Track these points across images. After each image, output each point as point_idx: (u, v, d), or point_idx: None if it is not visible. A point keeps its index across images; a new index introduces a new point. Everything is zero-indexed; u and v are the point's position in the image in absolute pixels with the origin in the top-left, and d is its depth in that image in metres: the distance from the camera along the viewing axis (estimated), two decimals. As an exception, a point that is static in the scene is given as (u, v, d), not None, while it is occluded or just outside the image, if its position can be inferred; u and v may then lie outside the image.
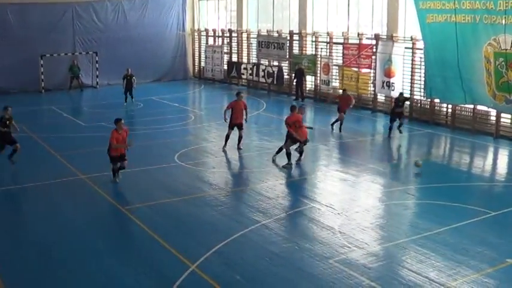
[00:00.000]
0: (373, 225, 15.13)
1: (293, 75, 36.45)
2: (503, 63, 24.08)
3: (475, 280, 12.00)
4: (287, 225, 15.11)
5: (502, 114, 26.17)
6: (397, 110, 25.81)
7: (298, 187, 18.79)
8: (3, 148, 20.62)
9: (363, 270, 12.39)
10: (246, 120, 23.09)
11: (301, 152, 20.83)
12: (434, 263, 12.80)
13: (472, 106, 27.27)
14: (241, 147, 22.55)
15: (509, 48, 23.67)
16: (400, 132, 25.69)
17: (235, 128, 22.56)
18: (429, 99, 29.05)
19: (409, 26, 30.61)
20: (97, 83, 41.73)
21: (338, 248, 13.52)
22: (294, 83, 36.20)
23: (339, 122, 26.40)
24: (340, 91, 29.31)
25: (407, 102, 28.15)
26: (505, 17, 23.47)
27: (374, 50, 31.52)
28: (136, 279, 12.21)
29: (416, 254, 13.25)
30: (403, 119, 26.30)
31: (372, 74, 32.00)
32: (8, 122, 20.32)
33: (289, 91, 37.37)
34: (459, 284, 11.82)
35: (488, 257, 13.15)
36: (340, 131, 25.98)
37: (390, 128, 25.61)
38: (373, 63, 31.65)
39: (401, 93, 26.68)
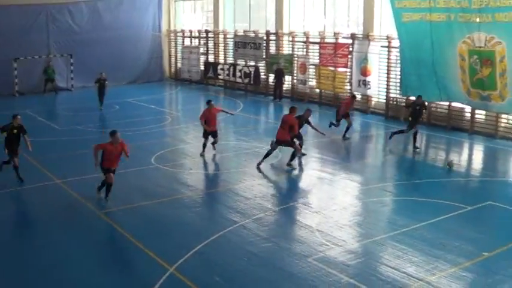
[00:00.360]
0: (350, 222, 15.24)
1: (273, 75, 36.46)
2: (477, 60, 24.35)
3: (453, 274, 12.15)
4: (265, 225, 15.13)
5: (477, 111, 26.45)
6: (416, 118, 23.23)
7: (275, 187, 18.87)
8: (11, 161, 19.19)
9: (342, 267, 12.47)
10: (232, 114, 24.93)
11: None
12: (412, 258, 12.92)
13: (447, 103, 27.54)
14: (215, 150, 22.31)
15: (483, 45, 23.94)
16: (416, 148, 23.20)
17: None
18: (405, 97, 29.27)
19: (385, 25, 30.83)
20: (72, 85, 41.37)
21: (316, 246, 13.59)
22: (273, 83, 36.28)
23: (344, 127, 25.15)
24: (315, 90, 29.36)
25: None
26: (479, 15, 23.73)
27: (350, 49, 31.68)
28: (115, 283, 12.17)
29: (394, 250, 13.37)
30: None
31: (348, 73, 32.18)
32: (15, 130, 18.95)
33: (266, 91, 37.42)
34: (437, 278, 11.96)
35: (465, 250, 13.32)
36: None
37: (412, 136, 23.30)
38: (349, 62, 31.80)
39: (419, 96, 23.57)
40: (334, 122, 24.92)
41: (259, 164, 20.23)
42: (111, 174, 16.74)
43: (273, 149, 20.42)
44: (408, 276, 12.04)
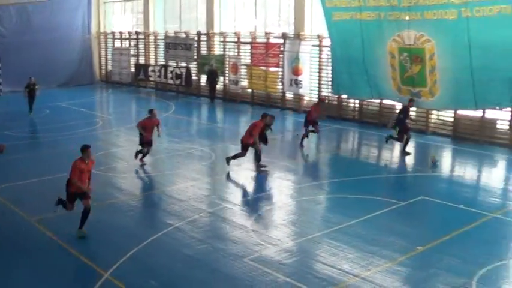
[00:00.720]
0: (285, 221, 15.25)
1: (206, 76, 36.34)
2: (407, 58, 24.76)
3: (388, 269, 12.29)
4: (200, 226, 15.01)
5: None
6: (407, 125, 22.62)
7: (210, 188, 18.72)
8: None
9: (278, 266, 12.46)
10: (159, 135, 21.33)
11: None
12: (347, 255, 13.02)
13: (378, 100, 27.93)
14: (144, 163, 20.92)
15: (413, 43, 24.34)
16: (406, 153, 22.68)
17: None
18: (336, 95, 29.57)
19: (316, 24, 31.13)
20: (0, 90, 40.48)
21: (252, 246, 13.55)
22: (206, 84, 36.17)
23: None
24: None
25: None
26: (409, 14, 24.12)
27: (281, 48, 31.84)
28: (49, 290, 11.89)
29: (330, 247, 13.44)
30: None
31: (280, 73, 32.32)
32: None
33: (198, 92, 37.35)
34: (372, 273, 12.07)
35: (400, 245, 13.49)
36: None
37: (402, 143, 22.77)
38: (280, 62, 31.97)
39: (412, 100, 23.50)
40: (306, 130, 23.88)
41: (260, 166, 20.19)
42: (88, 199, 14.26)
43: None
44: (344, 272, 12.12)
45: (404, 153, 22.35)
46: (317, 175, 20.22)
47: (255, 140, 19.91)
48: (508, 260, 13.14)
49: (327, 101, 28.80)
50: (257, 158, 20.18)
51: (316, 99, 27.19)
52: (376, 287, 11.49)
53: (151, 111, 21.15)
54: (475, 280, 11.81)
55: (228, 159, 20.15)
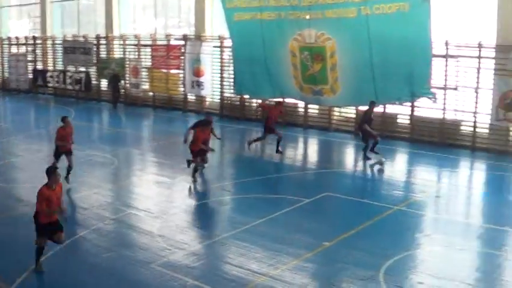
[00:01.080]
0: (191, 224, 15.15)
1: (108, 81, 35.60)
2: (308, 56, 25.02)
3: (296, 266, 12.30)
4: (105, 234, 14.60)
5: (310, 106, 27.22)
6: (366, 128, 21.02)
7: (113, 195, 18.28)
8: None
9: (186, 270, 12.28)
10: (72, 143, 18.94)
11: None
12: (255, 254, 12.96)
13: (281, 99, 28.09)
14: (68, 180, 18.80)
15: (313, 42, 24.61)
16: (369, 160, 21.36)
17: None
18: (239, 96, 29.60)
19: (217, 25, 31.10)
20: None
21: (159, 251, 13.31)
22: (109, 89, 35.53)
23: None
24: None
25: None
26: (309, 13, 24.37)
27: (182, 50, 31.64)
28: None
29: (237, 248, 13.37)
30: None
31: (181, 75, 32.12)
32: None
33: (98, 97, 36.69)
34: (280, 271, 12.05)
35: (306, 242, 13.55)
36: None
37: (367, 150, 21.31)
38: (182, 64, 31.77)
39: (373, 102, 21.68)
40: (255, 138, 23.03)
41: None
42: (61, 233, 12.38)
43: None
44: (252, 272, 12.06)
45: (365, 157, 21.10)
46: (221, 176, 20.15)
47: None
48: (414, 250, 13.42)
49: (229, 101, 28.75)
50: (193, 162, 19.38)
51: (273, 103, 25.20)
52: (285, 284, 11.48)
53: (64, 119, 19.03)
54: (382, 272, 11.97)
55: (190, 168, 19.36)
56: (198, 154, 18.98)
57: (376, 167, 20.47)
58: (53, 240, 12.34)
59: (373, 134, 20.95)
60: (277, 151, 22.15)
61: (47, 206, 11.95)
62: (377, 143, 20.85)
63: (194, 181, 18.71)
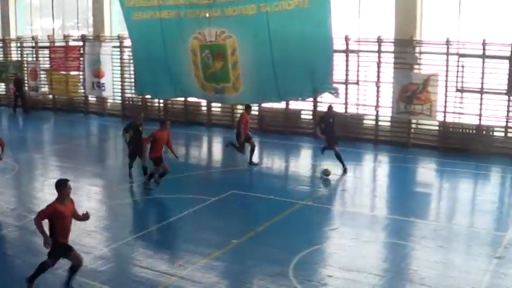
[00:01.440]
0: (97, 228, 14.70)
1: (12, 85, 34.12)
2: (209, 54, 24.81)
3: (205, 265, 12.21)
4: (10, 241, 14.15)
5: (213, 104, 27.19)
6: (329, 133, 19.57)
7: (16, 201, 17.62)
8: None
9: (94, 274, 11.95)
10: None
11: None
12: (163, 255, 12.85)
13: (183, 99, 27.96)
14: None
15: (214, 40, 24.47)
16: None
17: None
18: (140, 96, 29.27)
19: (116, 25, 30.69)
20: None
21: (63, 256, 12.99)
22: (10, 92, 34.26)
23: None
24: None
25: None
26: (209, 11, 24.21)
27: (82, 51, 31.03)
28: None
29: (145, 249, 13.20)
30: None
31: (81, 76, 31.51)
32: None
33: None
34: (190, 271, 11.93)
35: (215, 241, 13.52)
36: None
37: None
38: (81, 65, 31.15)
39: (330, 106, 20.32)
40: (233, 144, 21.09)
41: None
42: (77, 253, 11.29)
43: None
44: (161, 273, 11.89)
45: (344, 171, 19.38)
46: (126, 179, 19.65)
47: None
48: (322, 244, 13.60)
49: (130, 102, 28.40)
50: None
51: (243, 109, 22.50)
52: (195, 284, 11.38)
53: None
54: (291, 267, 12.03)
55: None
56: (160, 161, 17.68)
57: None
58: (69, 259, 11.19)
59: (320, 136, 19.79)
60: (251, 163, 20.49)
61: (60, 224, 10.88)
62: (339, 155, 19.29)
63: (157, 185, 17.56)
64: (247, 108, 21.62)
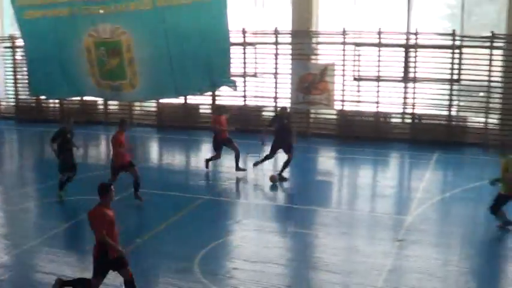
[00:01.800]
0: (-5, 236, 14.52)
1: None
2: (104, 51, 24.51)
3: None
4: None
5: (110, 102, 27.02)
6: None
7: None
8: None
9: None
10: None
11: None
12: (66, 259, 12.80)
13: (79, 98, 27.66)
14: None
15: (109, 36, 24.27)
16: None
17: None
18: (35, 97, 28.79)
19: (7, 24, 30.14)
20: None
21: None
22: None
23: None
24: None
25: None
26: (103, 7, 23.99)
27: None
28: None
29: (47, 254, 13.07)
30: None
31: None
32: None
33: None
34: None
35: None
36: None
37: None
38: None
39: (284, 107, 19.57)
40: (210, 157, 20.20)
41: None
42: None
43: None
44: (67, 277, 11.82)
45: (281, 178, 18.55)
46: (22, 182, 19.53)
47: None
48: (226, 237, 13.86)
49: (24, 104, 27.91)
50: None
51: (215, 110, 22.62)
52: (103, 285, 11.37)
53: None
54: (196, 262, 12.23)
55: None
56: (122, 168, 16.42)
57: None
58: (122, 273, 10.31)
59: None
60: (238, 168, 19.36)
61: (111, 232, 9.91)
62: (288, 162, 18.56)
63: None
64: (219, 109, 20.89)
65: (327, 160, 21.56)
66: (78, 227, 14.58)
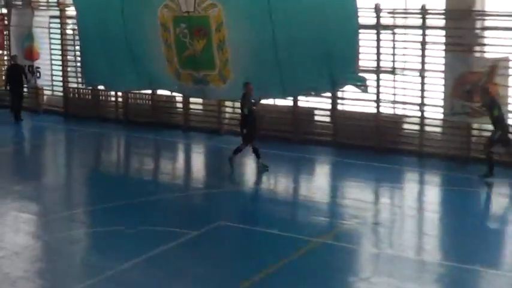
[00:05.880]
0: (28, 272, 14.55)
1: None
2: (186, 30, 24.56)
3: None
4: None
5: (192, 100, 26.88)
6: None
7: None
8: None
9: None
10: None
11: None
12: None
13: (150, 91, 27.72)
14: None
15: (192, 10, 24.18)
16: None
17: None
18: (90, 88, 29.12)
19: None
20: None
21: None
22: None
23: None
24: None
25: None
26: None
27: (6, 22, 31.00)
28: None
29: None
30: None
31: (5, 57, 31.85)
32: None
33: None
34: None
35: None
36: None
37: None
38: (6, 41, 31.28)
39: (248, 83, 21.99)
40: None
41: None
42: None
43: None
44: None
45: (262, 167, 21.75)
46: (70, 202, 19.77)
47: None
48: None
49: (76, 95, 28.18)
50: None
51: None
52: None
53: None
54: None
55: None
56: None
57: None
58: None
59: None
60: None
61: None
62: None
63: None
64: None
65: (499, 198, 20.66)
66: (141, 269, 14.49)
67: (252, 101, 21.75)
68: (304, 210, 18.92)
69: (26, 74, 29.65)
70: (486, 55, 23.09)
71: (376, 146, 23.44)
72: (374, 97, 23.92)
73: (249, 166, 23.09)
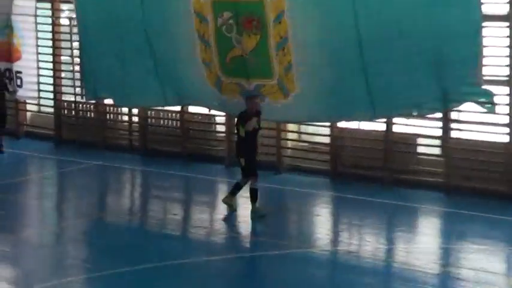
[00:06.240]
0: None
1: None
2: (231, 21, 24.16)
3: None
4: None
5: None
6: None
7: None
8: None
9: None
10: None
11: None
12: None
13: (179, 108, 27.42)
14: None
15: (241, -9, 23.91)
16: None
17: None
18: (94, 102, 28.99)
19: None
20: None
21: None
22: None
23: None
24: None
25: None
26: None
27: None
28: None
29: None
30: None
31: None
32: None
33: None
34: None
35: None
36: None
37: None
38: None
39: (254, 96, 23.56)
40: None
41: None
42: None
43: None
44: None
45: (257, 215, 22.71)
46: (63, 264, 19.49)
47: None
48: None
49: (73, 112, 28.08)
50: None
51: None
52: None
53: None
54: None
55: None
56: None
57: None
58: None
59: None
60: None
61: None
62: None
63: None
64: None
65: None
66: None
67: (255, 118, 22.39)
68: (401, 283, 18.48)
69: (5, 83, 29.96)
70: None
71: (509, 191, 22.99)
72: (506, 120, 23.60)
73: (316, 216, 22.98)
